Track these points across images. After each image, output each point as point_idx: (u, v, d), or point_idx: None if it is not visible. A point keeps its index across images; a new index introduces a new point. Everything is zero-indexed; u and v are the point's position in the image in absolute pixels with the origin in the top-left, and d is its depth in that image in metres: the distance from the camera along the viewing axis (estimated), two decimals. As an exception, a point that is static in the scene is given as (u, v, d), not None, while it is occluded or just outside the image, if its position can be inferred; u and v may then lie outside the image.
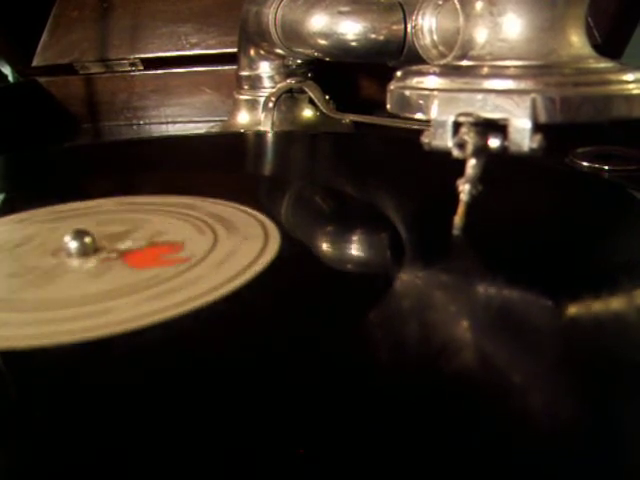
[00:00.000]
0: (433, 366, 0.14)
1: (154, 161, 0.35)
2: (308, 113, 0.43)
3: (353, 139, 0.34)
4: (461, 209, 0.18)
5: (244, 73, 0.44)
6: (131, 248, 0.20)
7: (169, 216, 0.23)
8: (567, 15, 0.20)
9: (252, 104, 0.44)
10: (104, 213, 0.24)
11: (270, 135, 0.38)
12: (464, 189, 0.18)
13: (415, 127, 0.31)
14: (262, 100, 0.43)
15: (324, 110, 0.41)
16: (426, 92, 0.19)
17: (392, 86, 0.21)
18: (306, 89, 0.41)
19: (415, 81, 0.20)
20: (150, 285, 0.18)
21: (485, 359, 0.14)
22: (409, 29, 0.27)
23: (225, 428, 0.12)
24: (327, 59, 0.33)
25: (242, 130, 0.42)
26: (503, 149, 0.18)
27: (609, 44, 0.52)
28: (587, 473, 0.11)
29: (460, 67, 0.20)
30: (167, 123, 0.56)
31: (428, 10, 0.26)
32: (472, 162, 0.18)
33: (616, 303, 0.17)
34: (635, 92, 0.19)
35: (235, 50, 0.50)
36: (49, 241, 0.20)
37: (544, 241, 0.20)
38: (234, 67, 0.50)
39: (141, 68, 0.56)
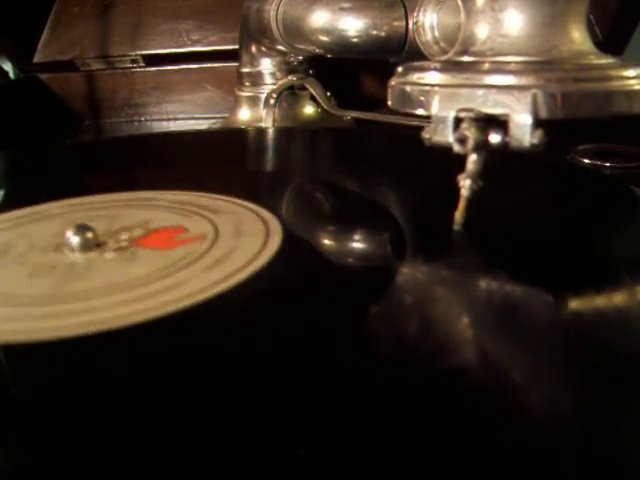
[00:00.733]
0: (436, 360, 0.14)
1: (152, 158, 0.35)
2: (309, 110, 0.43)
3: (354, 135, 0.34)
4: (462, 204, 0.18)
5: (245, 70, 0.44)
6: (134, 237, 0.20)
7: (163, 210, 0.24)
8: (568, 11, 0.20)
9: (253, 101, 0.44)
10: (94, 209, 0.24)
11: (271, 131, 0.38)
12: (465, 184, 0.18)
13: (416, 123, 0.31)
14: (263, 97, 0.43)
15: (325, 107, 0.41)
16: (427, 88, 0.19)
17: (393, 82, 0.21)
18: (307, 86, 0.41)
19: (416, 77, 0.20)
20: (192, 260, 0.19)
21: (485, 353, 0.14)
22: (410, 25, 0.27)
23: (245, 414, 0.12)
24: (328, 55, 0.33)
25: (243, 126, 0.42)
26: (504, 145, 0.18)
27: (610, 42, 0.52)
28: (588, 468, 0.11)
29: (461, 63, 0.20)
30: (168, 120, 0.56)
31: (429, 6, 0.26)
32: (473, 157, 0.18)
33: (617, 298, 0.17)
34: (636, 88, 0.19)
35: (236, 47, 0.50)
36: (35, 240, 0.20)
37: (545, 237, 0.20)
38: (235, 64, 0.50)
39: (142, 65, 0.56)
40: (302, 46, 0.34)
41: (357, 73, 0.51)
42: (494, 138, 0.18)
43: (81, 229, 0.18)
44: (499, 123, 0.18)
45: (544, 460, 0.11)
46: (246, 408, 0.12)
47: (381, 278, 0.18)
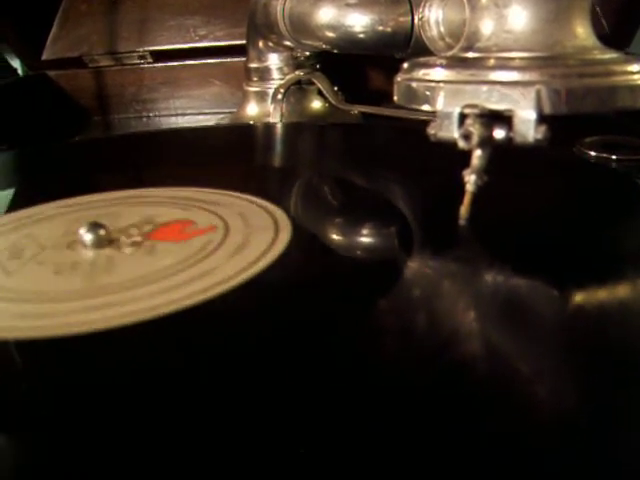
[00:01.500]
0: (446, 350, 0.14)
1: (160, 154, 0.35)
2: (317, 104, 0.43)
3: (362, 130, 0.35)
4: (467, 199, 0.19)
5: (253, 65, 0.45)
6: (144, 232, 0.21)
7: (165, 206, 0.24)
8: (572, 6, 0.20)
9: (261, 96, 0.45)
10: (94, 208, 0.24)
11: (279, 126, 0.38)
12: (470, 180, 0.19)
13: (422, 118, 0.31)
14: (271, 92, 0.44)
15: (333, 101, 0.42)
16: (432, 84, 0.20)
17: (399, 78, 0.22)
18: (315, 80, 0.41)
19: (421, 73, 0.20)
20: (212, 250, 0.19)
21: (490, 344, 0.15)
22: (416, 21, 0.27)
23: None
24: (335, 51, 0.34)
25: (251, 122, 0.43)
26: (508, 140, 0.18)
27: (616, 35, 0.52)
28: (590, 459, 0.11)
29: (466, 59, 0.20)
30: (176, 115, 0.56)
31: (435, 2, 0.26)
32: (478, 153, 0.18)
33: (621, 291, 0.17)
34: (638, 82, 0.19)
35: (243, 42, 0.50)
36: (44, 240, 0.21)
37: (549, 230, 0.21)
38: (242, 59, 0.50)
39: (150, 61, 0.57)
40: (309, 42, 0.35)
41: (364, 67, 0.51)
42: (498, 133, 0.18)
43: (94, 227, 0.19)
44: (503, 119, 0.18)
45: (547, 450, 0.11)
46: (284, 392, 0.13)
47: (389, 270, 0.18)
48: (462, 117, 0.18)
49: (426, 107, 0.20)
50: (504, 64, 0.19)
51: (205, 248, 0.20)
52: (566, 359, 0.14)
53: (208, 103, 0.56)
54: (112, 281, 0.18)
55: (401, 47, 0.29)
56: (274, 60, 0.44)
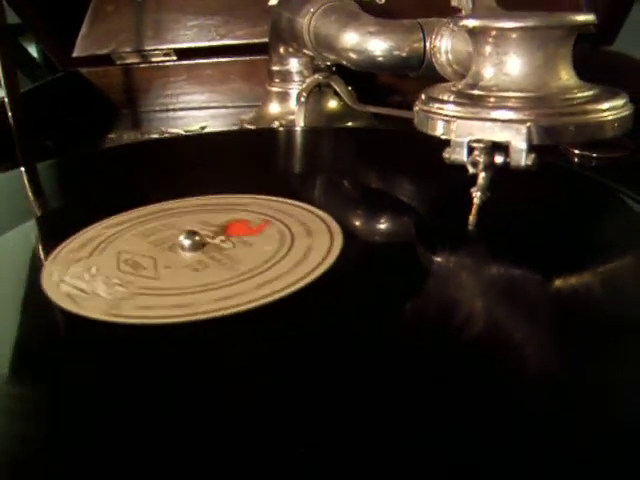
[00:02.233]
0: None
1: (194, 160, 0.40)
2: (333, 104, 0.48)
3: (394, 136, 0.39)
4: (474, 210, 0.24)
5: (275, 68, 0.50)
6: (218, 232, 0.26)
7: (215, 213, 0.29)
8: (557, 55, 0.25)
9: (283, 96, 0.50)
10: (161, 218, 0.29)
11: (309, 131, 0.43)
12: (476, 195, 0.24)
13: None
14: (291, 92, 0.49)
15: (348, 102, 0.47)
16: (447, 118, 0.25)
17: (417, 107, 0.27)
18: (332, 84, 0.46)
19: (436, 107, 0.26)
20: (291, 237, 0.25)
21: (495, 316, 0.20)
22: (428, 47, 0.32)
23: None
24: (353, 69, 0.39)
25: (275, 121, 0.47)
26: (506, 164, 0.23)
27: (602, 33, 0.57)
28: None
29: (472, 96, 0.25)
30: (200, 109, 0.61)
31: (445, 34, 0.31)
32: (482, 175, 0.24)
33: (586, 275, 0.23)
34: (608, 118, 0.24)
35: (261, 40, 0.55)
36: (135, 250, 0.26)
37: (539, 229, 0.26)
38: (260, 57, 0.55)
39: (174, 58, 0.61)
40: (331, 57, 0.40)
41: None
42: (498, 160, 0.24)
43: (190, 234, 0.24)
44: (502, 148, 0.24)
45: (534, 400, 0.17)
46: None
47: (417, 262, 0.24)
48: (470, 146, 0.24)
49: (442, 136, 0.25)
50: (503, 104, 0.24)
51: (285, 236, 0.25)
52: (551, 327, 0.20)
53: (229, 98, 0.61)
54: (237, 273, 0.23)
55: (414, 68, 0.33)
56: (295, 64, 0.49)
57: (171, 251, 0.25)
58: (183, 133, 0.51)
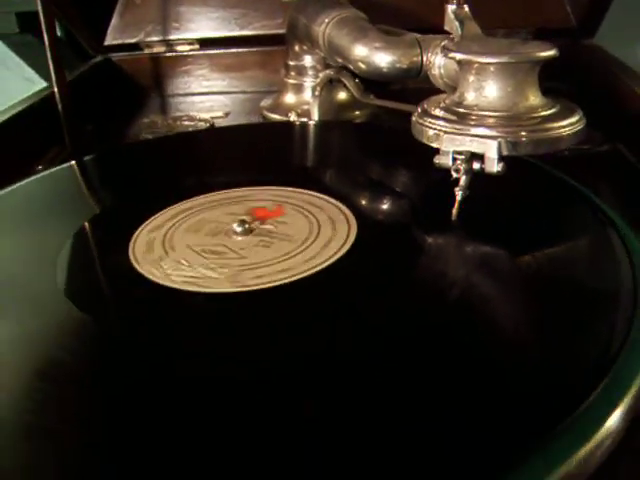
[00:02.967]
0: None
1: (214, 153, 0.46)
2: (342, 96, 0.54)
3: (399, 132, 0.44)
4: (457, 205, 0.31)
5: (291, 63, 0.56)
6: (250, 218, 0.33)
7: (237, 204, 0.36)
8: (525, 81, 0.31)
9: (298, 87, 0.56)
10: (206, 210, 0.35)
11: (326, 125, 0.49)
12: (458, 193, 0.31)
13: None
14: (306, 84, 0.55)
15: (356, 95, 0.53)
16: (437, 131, 0.31)
17: (414, 118, 0.33)
18: (342, 79, 0.52)
19: (429, 121, 0.32)
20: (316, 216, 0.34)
21: (472, 282, 0.27)
22: (424, 60, 0.39)
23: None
24: (362, 76, 0.45)
25: (292, 112, 0.54)
26: (482, 170, 0.30)
27: (584, 26, 0.62)
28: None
29: (458, 113, 0.32)
30: (221, 93, 0.67)
31: (438, 52, 0.37)
32: (463, 178, 0.30)
33: (545, 254, 0.30)
34: (565, 134, 0.31)
35: (277, 32, 0.61)
36: (197, 239, 0.32)
37: (506, 218, 0.33)
38: (277, 48, 0.61)
39: (197, 47, 0.67)
40: (342, 62, 0.46)
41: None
42: (475, 166, 0.30)
43: (241, 222, 0.31)
44: (479, 156, 0.30)
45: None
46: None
47: (414, 242, 0.31)
48: (454, 155, 0.30)
49: (433, 145, 0.31)
50: (480, 122, 0.30)
51: (307, 215, 0.33)
52: (513, 290, 0.27)
53: (247, 84, 0.67)
54: (299, 238, 0.31)
55: (413, 77, 0.40)
56: (309, 60, 0.55)
57: (230, 237, 0.32)
58: (209, 119, 0.58)
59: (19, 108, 0.52)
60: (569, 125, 0.31)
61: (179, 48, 0.68)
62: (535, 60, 0.31)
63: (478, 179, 0.31)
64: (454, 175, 0.30)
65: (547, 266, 0.29)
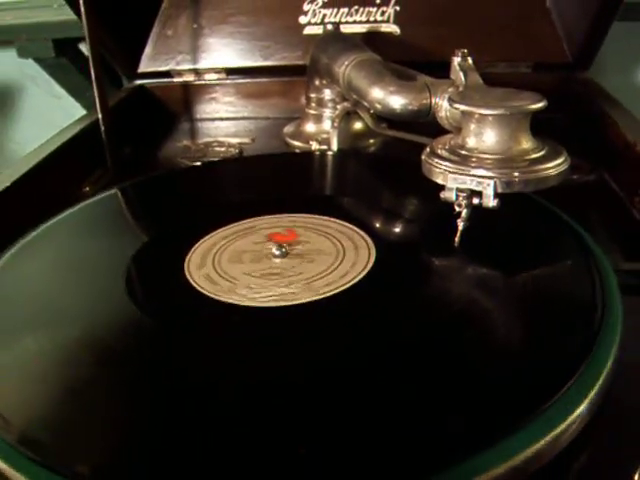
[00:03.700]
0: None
1: (241, 182, 0.52)
2: (358, 126, 0.60)
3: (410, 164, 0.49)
4: (458, 234, 0.37)
5: (312, 95, 0.62)
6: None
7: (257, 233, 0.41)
8: (518, 129, 0.37)
9: (317, 117, 0.62)
10: (241, 237, 0.41)
11: (344, 155, 0.55)
12: (460, 224, 0.36)
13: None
14: (325, 115, 0.61)
15: (370, 125, 0.59)
16: (443, 169, 0.37)
17: (424, 157, 0.39)
18: (359, 111, 0.58)
19: (436, 161, 0.38)
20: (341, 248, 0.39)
21: (473, 296, 0.33)
22: (433, 104, 0.44)
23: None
24: (378, 114, 0.51)
25: (313, 140, 0.59)
26: (480, 204, 0.36)
27: (578, 61, 0.68)
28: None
29: (460, 154, 0.38)
30: (245, 119, 0.73)
31: (445, 97, 0.43)
32: (465, 210, 0.36)
33: (533, 272, 0.35)
34: (552, 174, 0.36)
35: (298, 63, 0.67)
36: (245, 265, 0.38)
37: (500, 243, 0.39)
38: (297, 78, 0.67)
39: (224, 77, 0.73)
40: (359, 100, 0.51)
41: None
42: (475, 201, 0.36)
43: (279, 246, 0.37)
44: (478, 193, 0.36)
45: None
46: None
47: (423, 263, 0.37)
48: (457, 191, 0.36)
49: (440, 182, 0.37)
50: (480, 164, 0.36)
51: (328, 236, 0.39)
52: (505, 302, 0.33)
53: (270, 111, 0.73)
54: (329, 256, 0.38)
55: (423, 118, 0.45)
56: (328, 93, 0.61)
57: (271, 260, 0.37)
58: (237, 144, 0.64)
59: (69, 135, 0.58)
60: (555, 166, 0.37)
61: (207, 76, 0.74)
62: (527, 112, 0.36)
63: (477, 211, 0.37)
64: (457, 209, 0.36)
65: (533, 284, 0.35)
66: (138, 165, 0.63)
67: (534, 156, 0.37)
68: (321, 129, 0.61)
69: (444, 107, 0.43)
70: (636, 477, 0.25)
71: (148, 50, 0.74)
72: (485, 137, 0.37)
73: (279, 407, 0.26)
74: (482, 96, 0.39)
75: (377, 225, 0.43)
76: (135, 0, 0.72)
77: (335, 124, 0.57)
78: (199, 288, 0.36)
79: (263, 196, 0.47)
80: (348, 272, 0.36)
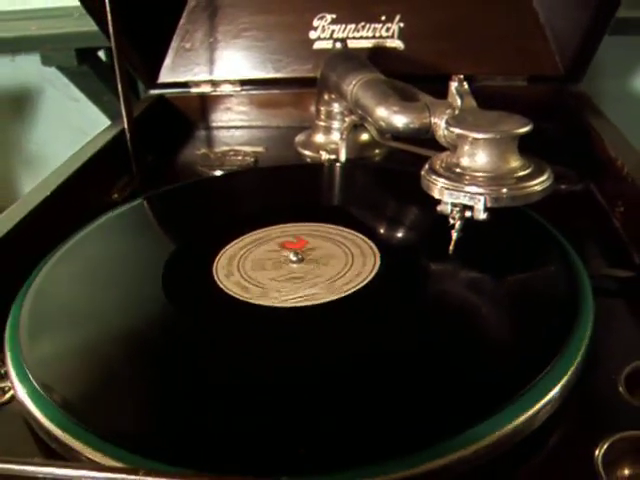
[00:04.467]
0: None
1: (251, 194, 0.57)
2: (365, 137, 0.65)
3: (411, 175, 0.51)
4: (452, 243, 0.42)
5: (322, 108, 0.67)
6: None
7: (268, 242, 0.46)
8: (507, 149, 0.42)
9: (327, 129, 0.67)
10: (262, 244, 0.46)
11: (350, 168, 0.60)
12: (454, 235, 0.42)
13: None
14: (334, 126, 0.66)
15: (376, 137, 0.64)
16: (440, 185, 0.42)
17: (423, 173, 0.44)
18: (365, 124, 0.63)
19: (434, 178, 0.43)
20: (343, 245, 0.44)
21: (466, 295, 0.38)
22: (432, 123, 0.49)
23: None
24: (382, 131, 0.56)
25: (322, 151, 0.64)
26: (472, 217, 0.41)
27: (570, 74, 0.72)
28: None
29: (455, 172, 0.42)
30: (259, 128, 0.78)
31: (443, 118, 0.48)
32: (458, 222, 0.41)
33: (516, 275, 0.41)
34: (537, 190, 0.41)
35: (309, 75, 0.72)
36: (270, 271, 0.43)
37: (489, 251, 0.44)
38: (308, 90, 0.72)
39: (238, 88, 0.78)
40: (364, 116, 0.56)
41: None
42: (467, 214, 0.41)
43: (296, 253, 0.42)
44: (470, 207, 0.41)
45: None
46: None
47: (423, 267, 0.42)
48: (452, 206, 0.41)
49: (437, 197, 0.42)
50: (472, 181, 0.41)
51: (337, 243, 0.44)
52: (492, 300, 0.38)
53: (282, 120, 0.78)
54: (339, 260, 0.43)
55: (423, 135, 0.50)
56: (337, 107, 0.66)
57: (289, 265, 0.42)
58: (252, 153, 0.69)
59: (99, 144, 0.63)
60: (539, 183, 0.42)
61: (222, 87, 0.79)
62: (514, 136, 0.41)
63: (469, 222, 0.42)
64: (451, 221, 0.41)
65: (517, 286, 0.40)
66: (161, 172, 0.68)
67: (521, 174, 0.42)
68: (330, 140, 0.66)
69: (442, 127, 0.48)
70: (596, 452, 0.30)
71: (167, 62, 0.79)
72: (477, 157, 0.42)
73: (329, 382, 0.33)
74: (475, 119, 0.44)
75: (381, 232, 0.48)
76: (156, 16, 0.76)
77: (343, 136, 0.62)
78: (233, 294, 0.40)
79: (275, 206, 0.53)
80: (361, 272, 0.41)
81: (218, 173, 0.64)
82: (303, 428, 0.30)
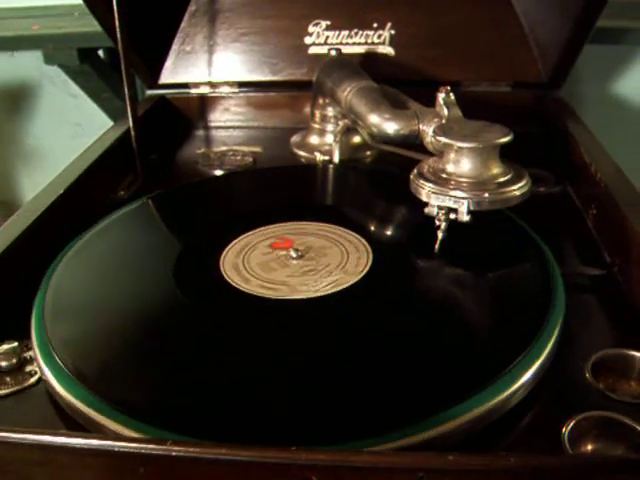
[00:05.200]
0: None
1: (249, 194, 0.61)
2: (357, 140, 0.69)
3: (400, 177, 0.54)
4: (438, 242, 0.46)
5: (316, 111, 0.70)
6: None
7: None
8: (489, 157, 0.46)
9: (321, 131, 0.71)
10: (262, 241, 0.51)
11: (342, 169, 0.64)
12: (439, 235, 0.46)
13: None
14: (328, 129, 0.70)
15: (367, 140, 0.67)
16: (427, 189, 0.46)
17: (412, 177, 0.48)
18: (357, 128, 0.67)
19: (422, 182, 0.47)
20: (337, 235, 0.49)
21: (451, 289, 0.42)
22: (420, 130, 0.53)
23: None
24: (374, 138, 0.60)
25: (317, 152, 0.68)
26: (456, 219, 0.45)
27: (552, 80, 0.76)
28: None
29: (441, 177, 0.46)
30: (256, 128, 0.82)
31: (431, 125, 0.52)
32: (443, 224, 0.45)
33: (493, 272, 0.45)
34: (515, 194, 0.45)
35: (304, 79, 0.75)
36: (276, 267, 0.47)
37: (470, 251, 0.48)
38: (303, 92, 0.76)
39: (236, 89, 0.82)
40: (357, 120, 0.60)
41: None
42: (452, 216, 0.45)
43: (296, 250, 0.46)
44: (454, 209, 0.45)
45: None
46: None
47: (411, 264, 0.46)
48: (438, 208, 0.45)
49: (425, 200, 0.46)
50: (456, 186, 0.45)
51: (331, 241, 0.48)
52: (474, 293, 0.42)
53: (277, 121, 0.81)
54: (336, 255, 0.47)
55: (412, 141, 0.54)
56: (331, 110, 0.69)
57: (292, 261, 0.46)
58: (250, 153, 0.72)
59: (107, 143, 0.66)
60: (518, 189, 0.46)
61: (221, 89, 0.82)
62: (496, 145, 0.45)
63: (454, 224, 0.46)
64: (437, 222, 0.45)
65: (496, 281, 0.44)
66: (163, 170, 0.71)
67: (501, 180, 0.46)
68: (324, 142, 0.70)
69: (429, 134, 0.52)
70: (564, 429, 0.34)
71: (168, 64, 0.82)
72: (462, 164, 0.46)
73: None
74: (460, 129, 0.48)
75: (372, 229, 0.52)
76: (158, 19, 0.79)
77: (337, 139, 0.66)
78: (265, 296, 0.43)
79: (268, 206, 0.57)
80: (361, 257, 0.46)
81: (218, 172, 0.68)
82: (317, 401, 0.34)
